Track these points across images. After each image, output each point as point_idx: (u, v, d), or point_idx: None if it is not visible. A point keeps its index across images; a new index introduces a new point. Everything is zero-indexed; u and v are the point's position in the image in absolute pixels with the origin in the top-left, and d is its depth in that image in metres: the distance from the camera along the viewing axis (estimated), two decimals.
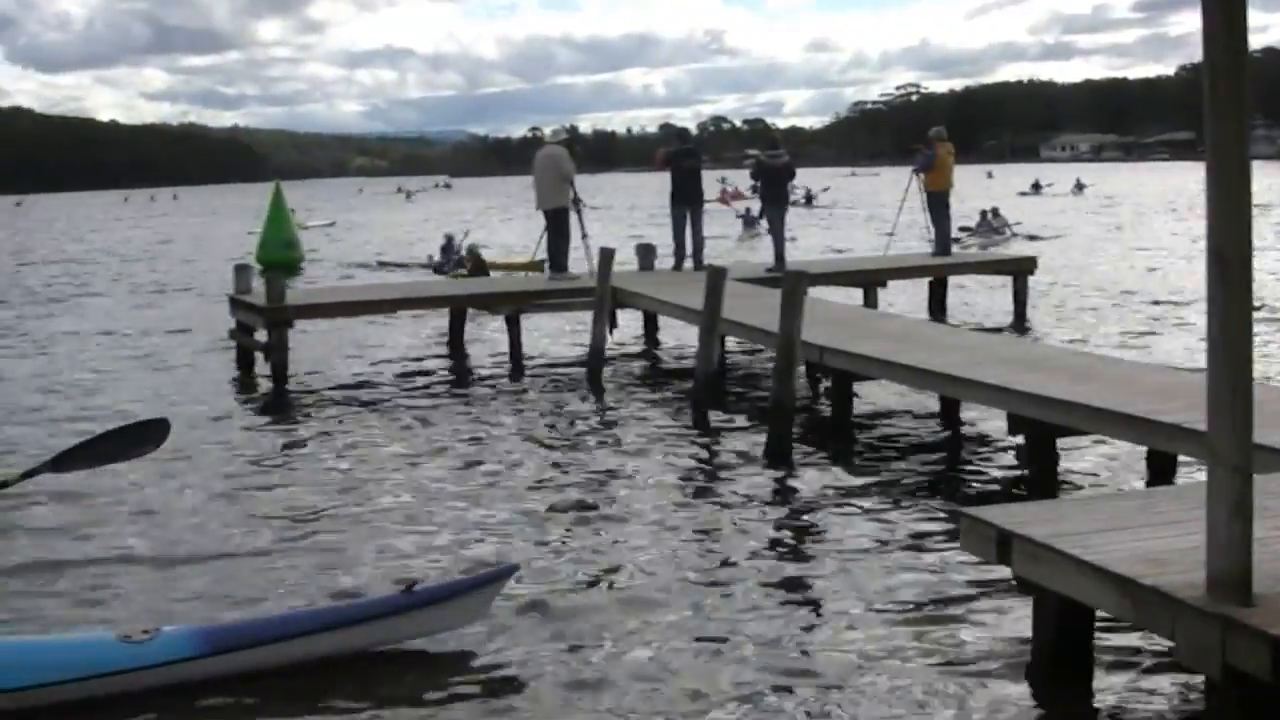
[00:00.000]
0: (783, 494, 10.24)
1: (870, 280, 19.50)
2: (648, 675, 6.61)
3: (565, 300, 17.81)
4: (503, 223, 57.71)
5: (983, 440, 11.79)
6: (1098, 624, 6.28)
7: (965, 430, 12.22)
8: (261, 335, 16.77)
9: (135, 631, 6.58)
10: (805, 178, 58.09)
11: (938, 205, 21.49)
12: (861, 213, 57.25)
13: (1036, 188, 74.93)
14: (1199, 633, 5.01)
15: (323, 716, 6.29)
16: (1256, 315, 6.21)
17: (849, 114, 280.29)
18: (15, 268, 40.89)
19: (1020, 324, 19.68)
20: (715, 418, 13.15)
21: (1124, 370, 10.93)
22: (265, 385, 16.09)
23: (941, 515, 9.25)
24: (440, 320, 19.89)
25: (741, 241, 40.64)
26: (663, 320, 18.55)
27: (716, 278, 13.37)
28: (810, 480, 10.56)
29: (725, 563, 8.50)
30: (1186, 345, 16.24)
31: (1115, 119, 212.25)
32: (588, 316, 16.53)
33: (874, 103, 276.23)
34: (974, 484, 10.41)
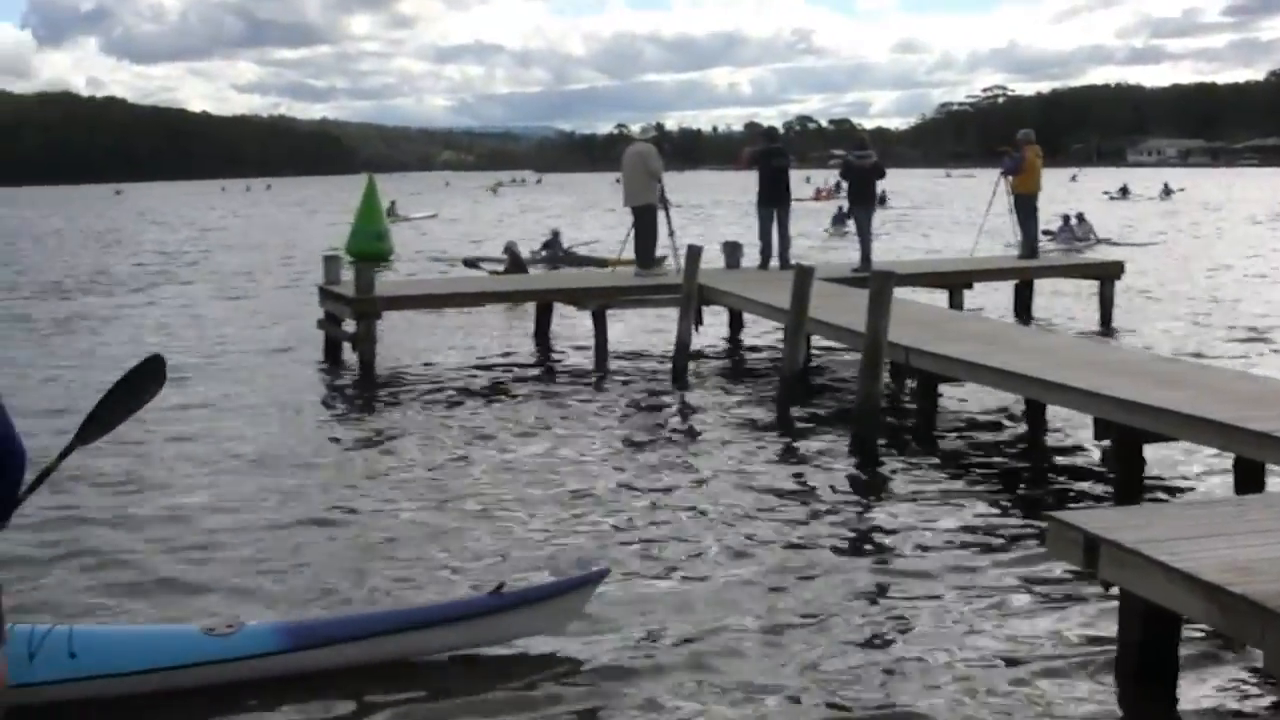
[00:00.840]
0: (866, 493, 10.25)
1: (956, 282, 19.48)
2: (730, 671, 6.64)
3: (652, 296, 17.89)
4: (592, 219, 57.84)
5: (1068, 444, 11.72)
6: (1184, 630, 6.25)
7: (1050, 434, 12.15)
8: (349, 326, 16.98)
9: (219, 625, 6.64)
10: (895, 180, 57.75)
11: (1025, 208, 21.39)
12: (944, 214, 56.88)
13: (1124, 192, 73.58)
14: None
15: (401, 717, 6.28)
16: None
17: (935, 115, 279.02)
18: (118, 255, 41.69)
19: (1106, 328, 19.50)
20: (799, 416, 13.16)
21: (1212, 377, 10.81)
22: (352, 376, 16.27)
23: (1026, 518, 9.23)
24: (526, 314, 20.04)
25: (828, 240, 40.54)
26: (748, 318, 18.60)
27: (803, 277, 13.38)
28: (894, 480, 10.57)
29: (808, 561, 8.51)
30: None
31: (1203, 124, 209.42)
32: (672, 313, 16.59)
33: (960, 104, 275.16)
34: (1058, 488, 10.34)
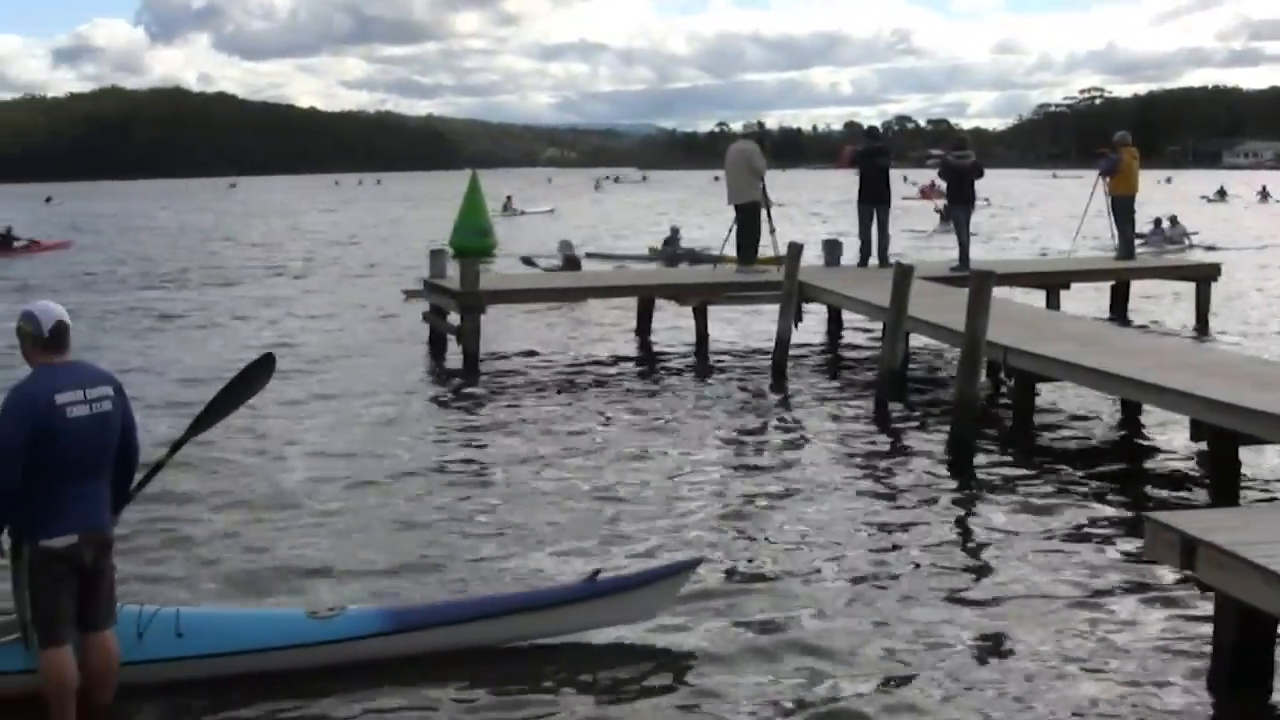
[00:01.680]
0: (962, 490, 10.29)
1: (1053, 282, 19.46)
2: (819, 662, 6.74)
3: (753, 293, 18.01)
4: (694, 216, 57.90)
5: (1164, 445, 11.68)
6: None
7: (1147, 434, 12.12)
8: (454, 319, 17.25)
9: (322, 608, 6.82)
10: (994, 180, 57.22)
11: (1122, 209, 21.29)
12: (1042, 214, 56.22)
13: (1222, 194, 71.75)
14: None
15: (495, 699, 6.39)
16: None
17: (1032, 116, 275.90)
18: (232, 248, 42.64)
19: (1203, 330, 19.31)
20: (897, 413, 13.22)
21: None
22: (456, 368, 16.52)
23: (1122, 518, 9.24)
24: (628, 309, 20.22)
25: (928, 239, 40.33)
26: (846, 315, 18.65)
27: (903, 275, 13.44)
28: (990, 478, 10.59)
29: (902, 555, 8.59)
30: None
31: None
32: (772, 309, 16.69)
33: (1057, 105, 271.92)
34: (1154, 489, 10.31)
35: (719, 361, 16.89)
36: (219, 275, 31.55)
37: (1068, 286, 19.61)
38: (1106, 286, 21.21)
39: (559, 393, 14.81)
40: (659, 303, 19.42)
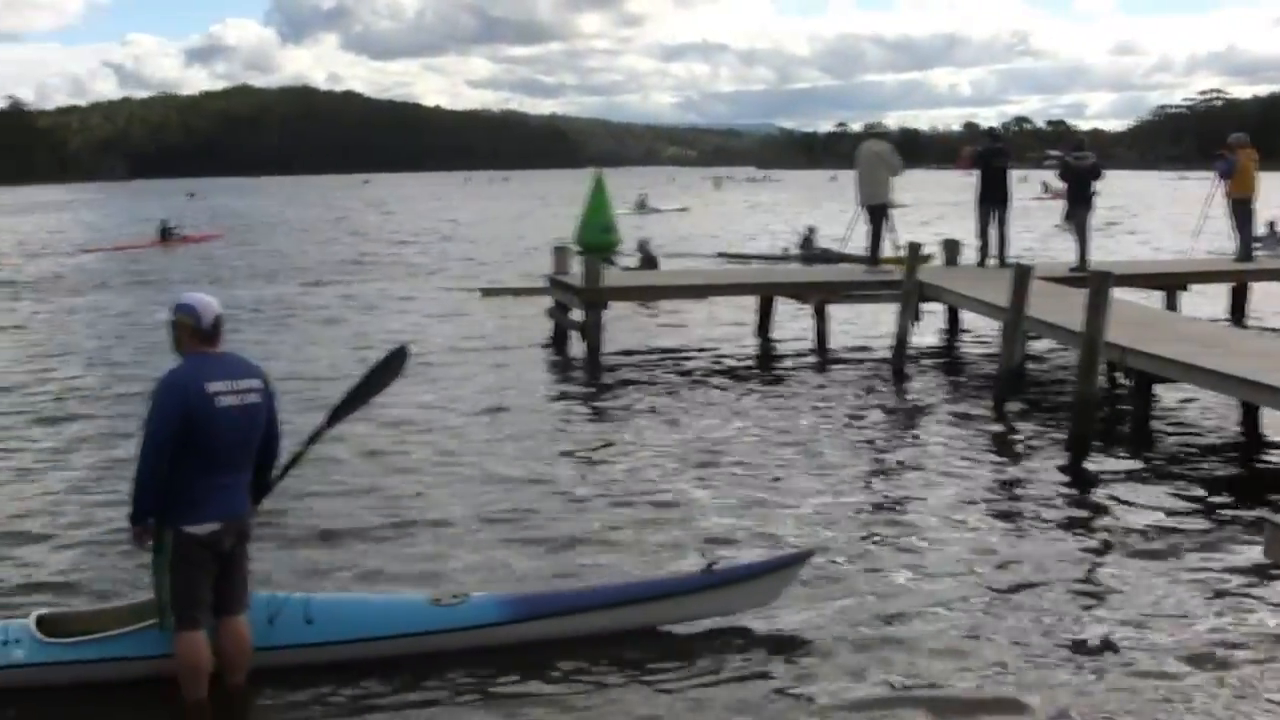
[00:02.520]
0: (1080, 490, 10.35)
1: (1172, 283, 19.43)
2: (933, 654, 6.90)
3: (873, 292, 18.16)
4: (812, 214, 57.84)
5: None
6: None
7: (1266, 436, 12.08)
8: (577, 314, 17.63)
9: (445, 596, 6.99)
10: (1114, 181, 56.36)
11: (1240, 211, 21.11)
12: (1162, 216, 55.29)
13: None
14: None
15: (608, 687, 6.55)
16: None
17: (1151, 118, 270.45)
18: (367, 243, 43.72)
19: None
20: (1015, 412, 13.31)
21: None
22: (579, 362, 16.89)
23: (1240, 521, 9.26)
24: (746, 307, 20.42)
25: (1045, 239, 39.98)
26: (965, 315, 18.75)
27: (1022, 275, 13.53)
28: (1108, 478, 10.63)
29: (1017, 550, 8.71)
30: None
31: None
32: (890, 308, 16.84)
33: (1176, 107, 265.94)
34: (1273, 492, 10.23)
35: (839, 359, 17.06)
36: (352, 271, 32.42)
37: (1186, 288, 19.57)
38: (1225, 288, 21.05)
39: (679, 387, 15.07)
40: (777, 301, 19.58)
